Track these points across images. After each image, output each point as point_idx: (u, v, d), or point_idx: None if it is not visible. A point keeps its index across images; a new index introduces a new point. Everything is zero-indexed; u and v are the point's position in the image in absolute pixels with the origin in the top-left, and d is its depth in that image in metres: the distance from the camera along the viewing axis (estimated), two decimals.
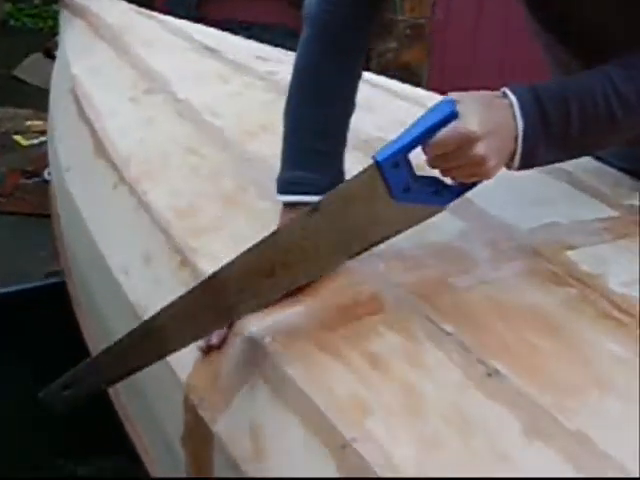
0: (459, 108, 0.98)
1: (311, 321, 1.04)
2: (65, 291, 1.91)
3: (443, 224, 1.17)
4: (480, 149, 0.98)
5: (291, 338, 1.02)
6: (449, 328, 1.01)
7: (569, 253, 1.17)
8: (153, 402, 1.25)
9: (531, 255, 1.16)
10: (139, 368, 1.04)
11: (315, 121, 1.17)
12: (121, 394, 1.50)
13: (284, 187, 1.17)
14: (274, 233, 1.02)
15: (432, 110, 1.00)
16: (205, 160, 1.49)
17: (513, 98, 1.02)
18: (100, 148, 1.60)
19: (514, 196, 1.32)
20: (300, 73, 1.19)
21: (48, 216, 2.17)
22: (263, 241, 1.01)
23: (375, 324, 1.02)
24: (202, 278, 1.13)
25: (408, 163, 1.01)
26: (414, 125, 1.00)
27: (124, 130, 1.63)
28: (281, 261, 1.01)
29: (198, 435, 1.07)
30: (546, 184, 1.38)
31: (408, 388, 0.93)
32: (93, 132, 1.66)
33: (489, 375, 0.93)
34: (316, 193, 1.14)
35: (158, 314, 1.01)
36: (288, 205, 1.16)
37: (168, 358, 1.11)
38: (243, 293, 1.02)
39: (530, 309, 1.05)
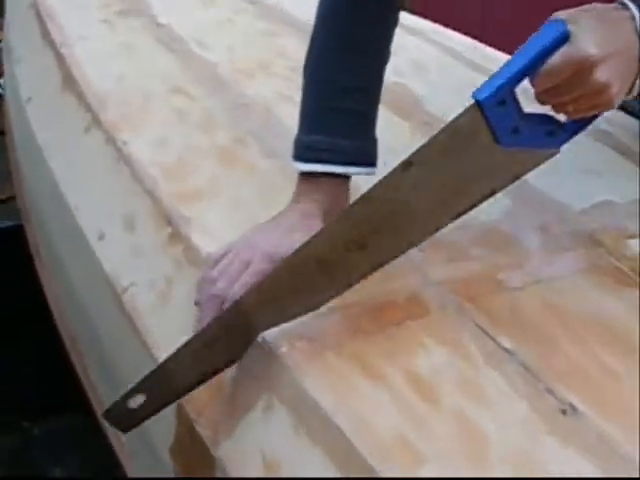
0: (570, 28, 0.81)
1: (339, 325, 0.86)
2: (22, 233, 1.69)
3: (489, 201, 0.97)
4: (601, 74, 0.81)
5: (314, 347, 0.84)
6: (507, 343, 0.84)
7: (630, 242, 1.01)
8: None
9: (588, 244, 1.00)
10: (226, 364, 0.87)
11: (344, 74, 0.96)
12: (89, 370, 1.31)
13: (302, 153, 0.96)
14: (361, 197, 0.85)
15: (539, 33, 0.83)
16: (194, 103, 1.29)
17: (635, 9, 0.84)
18: (69, 80, 1.37)
19: (557, 165, 1.13)
20: (325, 19, 0.98)
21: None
22: (348, 210, 0.87)
23: (418, 333, 0.85)
24: (196, 254, 0.97)
25: (515, 99, 0.84)
26: (519, 53, 0.83)
27: (97, 59, 1.42)
28: (372, 229, 0.85)
29: (194, 454, 0.89)
30: (587, 149, 1.20)
31: (466, 428, 0.75)
32: (60, 60, 1.43)
33: (563, 412, 0.76)
34: (342, 163, 0.94)
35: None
36: (306, 175, 0.95)
37: (153, 349, 0.92)
38: (330, 270, 0.86)
39: (596, 318, 0.89)
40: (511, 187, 1.04)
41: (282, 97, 1.29)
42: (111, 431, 1.19)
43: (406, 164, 0.84)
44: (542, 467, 0.72)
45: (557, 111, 0.86)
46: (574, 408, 0.76)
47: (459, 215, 0.88)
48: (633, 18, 0.84)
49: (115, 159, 1.17)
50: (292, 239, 0.89)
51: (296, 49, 1.39)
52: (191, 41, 1.44)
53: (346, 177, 0.96)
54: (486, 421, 0.76)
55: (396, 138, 1.18)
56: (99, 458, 1.39)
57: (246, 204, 1.06)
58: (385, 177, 0.84)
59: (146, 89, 1.32)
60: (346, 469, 0.74)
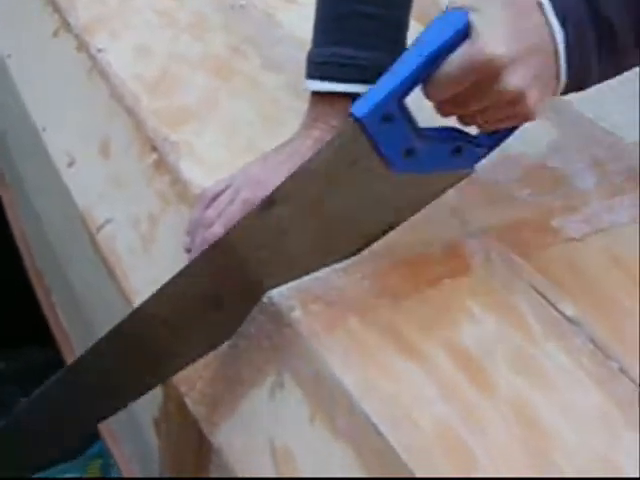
0: (472, 19, 0.61)
1: (362, 284, 0.70)
2: None
3: (531, 131, 0.81)
4: (511, 79, 0.62)
5: (333, 311, 0.68)
6: (569, 309, 0.69)
7: None
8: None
9: None
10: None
11: None
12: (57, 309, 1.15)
13: (317, 69, 0.79)
14: (212, 245, 0.68)
15: (433, 26, 0.63)
16: (182, 4, 1.11)
17: None
18: None
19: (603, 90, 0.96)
20: None
21: None
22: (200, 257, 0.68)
23: (461, 296, 0.70)
24: (186, 188, 0.82)
25: (405, 113, 0.64)
26: (408, 53, 0.63)
27: None
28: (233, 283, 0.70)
29: (183, 434, 0.73)
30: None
31: (526, 419, 0.61)
32: None
33: None
34: (365, 80, 0.76)
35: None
36: (321, 96, 0.78)
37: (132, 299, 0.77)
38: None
39: None
40: (559, 115, 0.89)
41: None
42: None
43: (267, 202, 0.66)
44: (620, 470, 0.58)
45: (464, 124, 0.68)
46: None
47: (346, 257, 0.72)
48: (540, 5, 0.64)
49: (88, 69, 1.00)
50: None
51: None
52: None
53: None
54: (552, 411, 0.62)
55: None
56: None
57: (245, 126, 0.89)
58: (243, 219, 0.68)
59: None
60: (375, 468, 0.60)
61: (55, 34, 1.09)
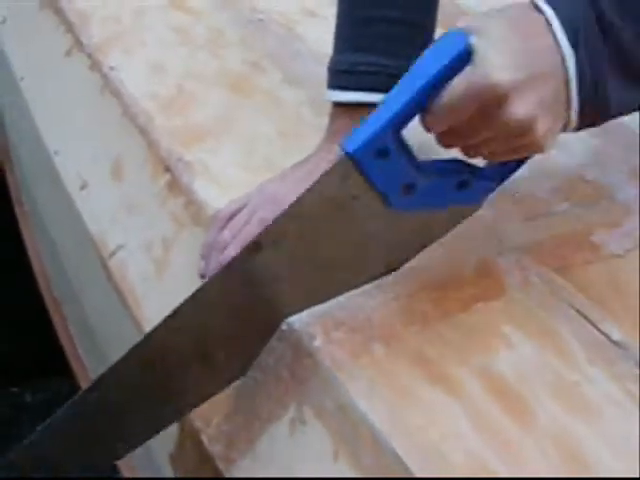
0: (475, 42, 0.56)
1: (388, 309, 0.65)
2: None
3: (569, 141, 0.78)
4: (517, 109, 0.57)
5: (356, 339, 0.63)
6: (614, 332, 0.64)
7: None
8: None
9: None
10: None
11: None
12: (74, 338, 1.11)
13: (338, 78, 0.75)
14: (198, 291, 0.62)
15: (432, 50, 0.58)
16: (198, 20, 1.06)
17: (549, 11, 0.58)
18: None
19: None
20: None
21: None
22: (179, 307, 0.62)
23: (496, 320, 0.64)
24: (201, 210, 0.77)
25: (402, 146, 0.59)
26: (403, 81, 0.58)
27: None
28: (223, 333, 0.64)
29: (200, 474, 0.69)
30: None
31: (570, 453, 0.56)
32: None
33: None
34: (387, 89, 0.71)
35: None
36: (343, 107, 0.73)
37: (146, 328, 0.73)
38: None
39: None
40: None
41: (305, 12, 1.07)
42: None
43: (252, 247, 0.61)
44: None
45: (469, 156, 0.62)
46: None
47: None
48: (548, 22, 0.58)
49: (100, 88, 0.96)
50: None
51: None
52: None
53: None
54: (596, 443, 0.56)
55: None
56: None
57: (264, 144, 0.85)
58: (228, 264, 0.63)
59: (138, 2, 1.11)
60: None
61: (68, 54, 1.06)
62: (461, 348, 0.62)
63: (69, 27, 1.09)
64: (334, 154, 0.73)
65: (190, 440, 0.70)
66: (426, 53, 0.58)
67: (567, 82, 0.59)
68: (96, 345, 0.99)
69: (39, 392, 1.68)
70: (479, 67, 0.56)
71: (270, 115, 0.88)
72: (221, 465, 0.66)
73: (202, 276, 0.71)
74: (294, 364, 0.63)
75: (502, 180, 0.65)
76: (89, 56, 1.03)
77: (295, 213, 0.61)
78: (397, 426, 0.57)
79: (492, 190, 0.65)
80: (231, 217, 0.72)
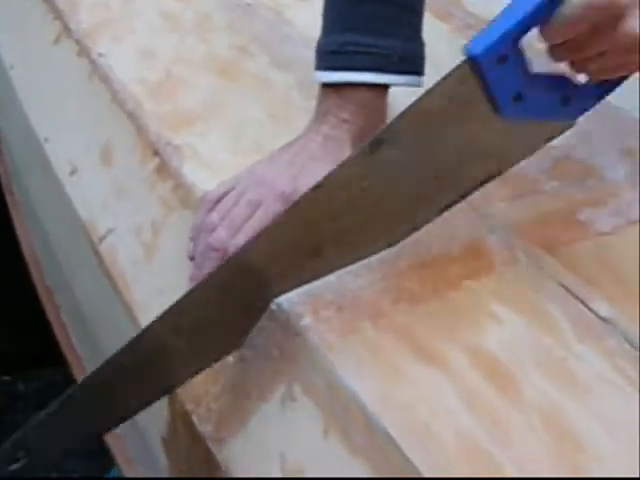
0: None
1: (376, 288, 0.65)
2: None
3: None
4: (635, 23, 0.58)
5: (346, 317, 0.63)
6: (603, 308, 0.64)
7: None
8: None
9: None
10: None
11: None
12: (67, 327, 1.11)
13: (326, 59, 0.74)
14: (316, 187, 0.62)
15: None
16: (186, 5, 1.06)
17: None
18: None
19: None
20: None
21: None
22: (299, 202, 0.63)
23: (484, 298, 0.64)
24: (189, 193, 0.77)
25: (520, 55, 0.61)
26: None
27: None
28: (330, 232, 0.64)
29: (192, 456, 0.69)
30: None
31: (559, 430, 0.55)
32: None
33: None
34: (379, 69, 0.71)
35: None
36: (331, 88, 0.73)
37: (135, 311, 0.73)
38: (276, 279, 0.65)
39: None
40: None
41: None
42: None
43: (374, 143, 0.62)
44: None
45: (576, 70, 0.64)
46: None
47: (443, 209, 0.67)
48: None
49: (89, 75, 0.96)
50: (313, 172, 0.68)
51: None
52: None
53: (383, 89, 0.74)
54: (586, 420, 0.56)
55: (433, 44, 0.95)
56: None
57: (253, 127, 0.84)
58: (346, 161, 0.63)
59: None
60: None
61: (56, 41, 1.05)
62: (450, 326, 0.62)
63: (57, 14, 1.08)
64: (322, 135, 0.73)
65: (181, 421, 0.70)
66: None
67: None
68: (88, 332, 0.98)
69: (33, 381, 1.67)
70: None
71: (259, 99, 0.88)
72: (212, 445, 0.66)
73: (191, 258, 0.71)
74: (283, 343, 0.63)
75: (599, 99, 0.66)
76: (78, 43, 1.02)
77: (414, 112, 0.61)
78: (386, 403, 0.57)
79: (589, 108, 0.66)
80: (219, 199, 0.72)
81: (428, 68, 0.77)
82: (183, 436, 0.71)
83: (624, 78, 0.65)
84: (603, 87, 0.65)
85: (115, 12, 1.06)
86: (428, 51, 0.79)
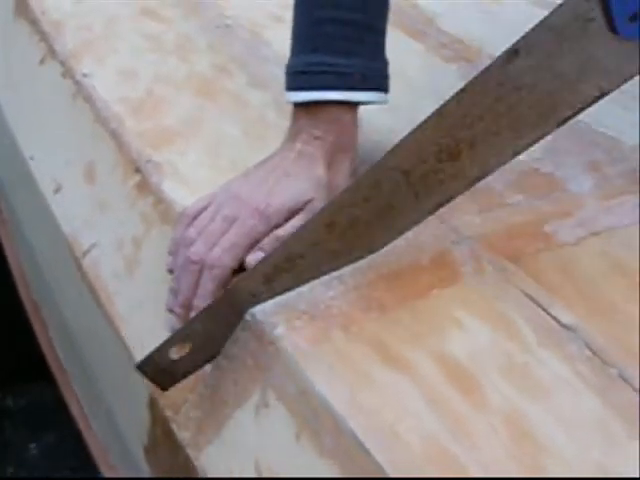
0: None
1: (347, 298, 0.67)
2: None
3: None
4: None
5: (317, 327, 0.65)
6: (566, 316, 0.66)
7: None
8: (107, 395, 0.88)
9: None
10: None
11: None
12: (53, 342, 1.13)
13: (294, 79, 0.77)
14: (460, 92, 0.67)
15: None
16: (168, 27, 1.08)
17: None
18: (22, 5, 1.16)
19: None
20: None
21: None
22: (439, 110, 0.67)
23: (450, 306, 0.66)
24: (169, 209, 0.80)
25: None
26: None
27: None
28: (468, 136, 0.68)
29: (173, 463, 0.71)
30: None
31: (520, 431, 0.57)
32: None
33: None
34: (345, 87, 0.75)
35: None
36: (302, 107, 0.76)
37: (117, 323, 0.74)
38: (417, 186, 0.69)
39: None
40: None
41: (271, 17, 1.09)
42: (79, 415, 1.01)
43: (511, 52, 0.66)
44: None
45: None
46: None
47: (565, 120, 0.70)
48: None
49: (73, 95, 0.98)
50: (287, 187, 0.71)
51: None
52: None
53: (352, 106, 0.77)
54: (546, 422, 0.58)
55: (406, 63, 0.98)
56: (77, 436, 1.21)
57: (230, 145, 0.87)
58: (485, 69, 0.67)
59: (110, 11, 1.12)
60: None
61: (42, 62, 1.07)
62: (417, 332, 0.64)
63: (43, 36, 1.10)
64: (296, 152, 0.76)
65: (161, 429, 0.72)
66: None
67: None
68: (74, 347, 1.00)
69: (21, 397, 1.68)
70: None
71: (236, 117, 0.90)
72: (191, 452, 0.69)
73: (170, 271, 0.74)
74: (258, 352, 0.66)
75: None
76: (62, 64, 1.04)
77: (545, 25, 0.66)
78: (355, 408, 0.59)
79: None
80: (197, 215, 0.74)
81: (402, 86, 0.79)
82: (163, 444, 0.73)
83: None
84: None
85: (98, 34, 1.08)
86: (401, 69, 0.82)
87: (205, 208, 0.74)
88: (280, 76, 0.81)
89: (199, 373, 0.69)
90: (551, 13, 0.65)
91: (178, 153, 0.85)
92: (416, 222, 0.70)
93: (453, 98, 0.67)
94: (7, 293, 1.36)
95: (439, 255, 0.71)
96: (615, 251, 0.73)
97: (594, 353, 0.63)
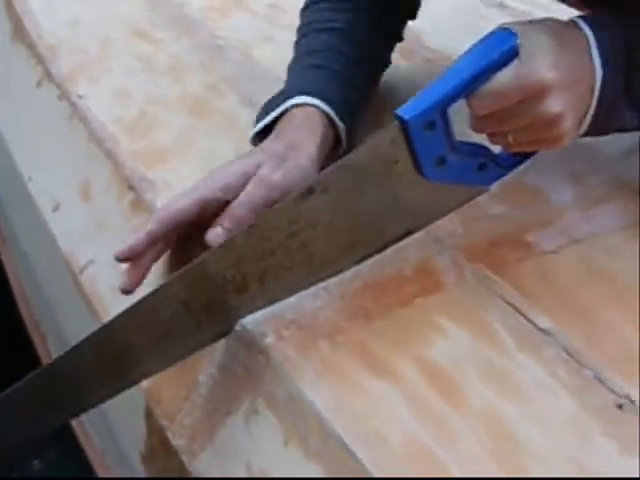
0: (521, 43, 0.65)
1: (334, 307, 0.70)
2: None
3: None
4: (554, 103, 0.66)
5: (305, 336, 0.68)
6: (544, 322, 0.69)
7: None
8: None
9: (628, 194, 0.84)
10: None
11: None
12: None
13: (259, 117, 0.83)
14: (251, 226, 0.67)
15: (484, 44, 0.67)
16: (160, 48, 1.11)
17: (587, 30, 0.69)
18: (19, 30, 1.19)
19: None
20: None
21: None
22: (232, 239, 0.67)
23: (432, 314, 0.69)
24: None
25: (447, 123, 0.67)
26: (458, 65, 0.66)
27: (51, 4, 1.24)
28: (258, 271, 0.68)
29: (170, 471, 0.73)
30: None
31: (500, 431, 0.60)
32: (10, 7, 1.26)
33: (619, 407, 0.61)
34: (289, 96, 0.83)
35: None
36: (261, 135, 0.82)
37: None
38: (200, 315, 0.68)
39: None
40: None
41: (262, 37, 1.12)
42: (79, 428, 1.04)
43: (306, 191, 0.67)
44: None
45: (494, 142, 0.71)
46: (633, 402, 0.61)
47: (363, 259, 0.72)
48: (588, 42, 0.69)
49: (69, 116, 1.01)
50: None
51: None
52: None
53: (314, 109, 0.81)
54: (524, 422, 0.61)
55: (394, 79, 1.01)
56: (78, 452, 1.23)
57: (222, 162, 0.88)
58: (279, 205, 0.67)
59: (104, 34, 1.15)
60: None
61: (39, 84, 1.10)
62: (401, 340, 0.66)
63: (39, 59, 1.13)
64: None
65: (157, 437, 0.75)
66: (478, 46, 0.66)
67: (592, 92, 0.68)
68: None
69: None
70: (527, 64, 0.65)
71: (227, 135, 0.92)
72: (186, 459, 0.71)
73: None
74: (248, 361, 0.68)
75: (511, 169, 0.73)
76: (58, 86, 1.06)
77: (345, 164, 0.67)
78: (341, 413, 0.61)
79: (502, 176, 0.73)
80: None
81: (391, 101, 0.82)
82: (160, 451, 0.75)
83: (535, 153, 0.72)
84: (516, 158, 0.72)
85: (93, 56, 1.10)
86: (389, 85, 0.85)
87: None
88: (270, 94, 0.84)
89: (193, 383, 0.71)
90: (352, 154, 0.67)
91: (171, 171, 0.88)
92: (197, 349, 0.69)
93: (241, 232, 0.66)
94: (7, 309, 1.38)
95: (422, 265, 0.73)
96: (595, 257, 0.75)
97: (571, 356, 0.65)
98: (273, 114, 0.81)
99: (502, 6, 1.24)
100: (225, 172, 0.74)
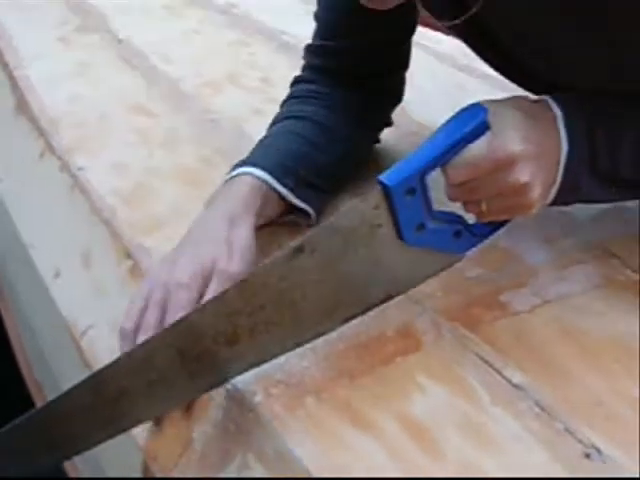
0: (492, 118, 0.72)
1: (319, 367, 0.75)
2: None
3: None
4: (523, 174, 0.73)
5: (292, 394, 0.72)
6: (516, 377, 0.73)
7: None
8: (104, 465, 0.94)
9: (600, 256, 0.89)
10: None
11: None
12: None
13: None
14: (243, 281, 0.70)
15: (458, 118, 0.73)
16: (157, 122, 1.16)
17: (557, 110, 0.76)
18: (22, 104, 1.25)
19: None
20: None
21: None
22: (225, 292, 0.70)
23: (412, 371, 0.73)
24: None
25: (426, 190, 0.72)
26: (436, 137, 0.72)
27: (52, 80, 1.29)
28: (248, 324, 0.70)
29: None
30: None
31: None
32: (13, 83, 1.31)
33: (587, 456, 0.65)
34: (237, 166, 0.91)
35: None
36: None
37: None
38: (192, 365, 0.71)
39: (618, 341, 0.77)
40: None
41: (253, 111, 1.18)
42: None
43: (296, 249, 0.71)
44: None
45: (469, 210, 0.76)
46: (599, 451, 0.65)
47: (347, 321, 0.75)
48: (555, 119, 0.76)
49: (70, 187, 1.06)
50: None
51: (267, 58, 1.29)
52: (153, 56, 1.32)
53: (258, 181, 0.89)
54: (499, 473, 0.64)
55: (381, 148, 1.07)
56: None
57: None
58: (270, 261, 0.71)
59: (103, 109, 1.21)
60: None
61: (41, 156, 1.15)
62: (382, 396, 0.71)
63: (41, 132, 1.18)
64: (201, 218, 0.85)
65: None
66: (452, 120, 0.72)
67: (557, 165, 0.75)
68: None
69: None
70: (498, 137, 0.71)
71: None
72: None
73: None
74: (239, 418, 0.72)
75: (484, 238, 0.78)
76: (59, 158, 1.12)
77: (331, 226, 0.71)
78: (326, 466, 0.65)
79: (476, 245, 0.77)
80: (134, 305, 0.79)
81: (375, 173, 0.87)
82: None
83: (507, 222, 0.78)
84: (489, 227, 0.77)
85: (92, 129, 1.16)
86: (376, 155, 0.90)
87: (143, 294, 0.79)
88: None
89: (187, 439, 0.75)
90: (339, 215, 0.71)
91: (166, 239, 0.92)
92: (188, 398, 0.73)
93: (235, 286, 0.69)
94: (9, 370, 1.42)
95: (403, 326, 0.78)
96: (565, 317, 0.79)
97: (542, 409, 0.69)
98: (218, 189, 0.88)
99: (485, 76, 1.29)
100: (184, 269, 0.78)
